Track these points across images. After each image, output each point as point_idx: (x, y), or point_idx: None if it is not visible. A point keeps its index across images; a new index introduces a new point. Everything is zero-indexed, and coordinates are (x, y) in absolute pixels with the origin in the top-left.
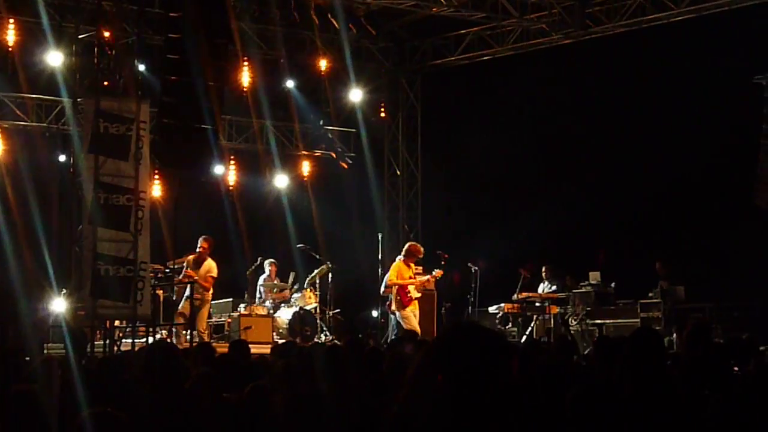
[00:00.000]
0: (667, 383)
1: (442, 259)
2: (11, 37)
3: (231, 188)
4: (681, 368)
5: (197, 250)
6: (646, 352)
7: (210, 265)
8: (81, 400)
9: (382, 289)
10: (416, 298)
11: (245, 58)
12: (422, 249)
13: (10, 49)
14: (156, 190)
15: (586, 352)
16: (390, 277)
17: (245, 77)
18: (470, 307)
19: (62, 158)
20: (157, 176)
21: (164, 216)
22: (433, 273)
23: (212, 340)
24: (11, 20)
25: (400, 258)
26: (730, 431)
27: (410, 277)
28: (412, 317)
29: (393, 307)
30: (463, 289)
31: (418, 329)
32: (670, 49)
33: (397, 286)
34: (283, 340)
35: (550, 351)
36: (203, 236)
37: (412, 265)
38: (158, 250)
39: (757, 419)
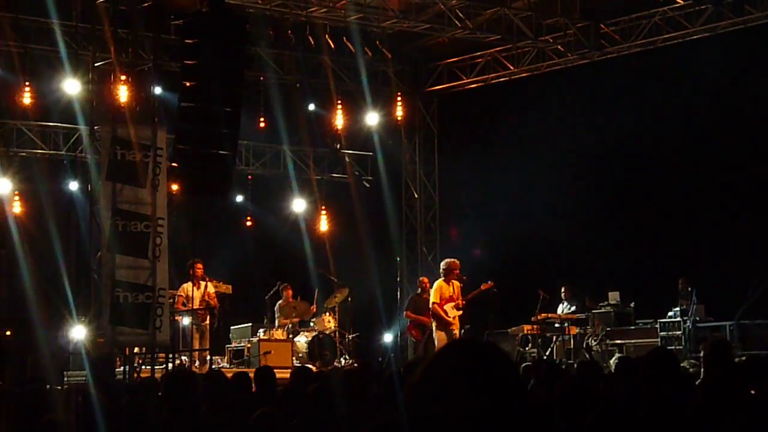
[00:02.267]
0: (684, 403)
1: (461, 281)
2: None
3: (248, 213)
4: (699, 387)
5: (198, 273)
6: (662, 373)
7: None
8: (101, 428)
9: (404, 313)
10: (455, 317)
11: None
12: (458, 262)
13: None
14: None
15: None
16: (432, 299)
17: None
18: (489, 329)
19: (74, 186)
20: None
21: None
22: (482, 286)
23: (233, 365)
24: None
25: (440, 278)
26: None
27: (450, 295)
28: (444, 339)
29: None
30: (483, 311)
31: None
32: (685, 68)
33: (433, 306)
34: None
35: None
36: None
37: (455, 282)
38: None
39: None
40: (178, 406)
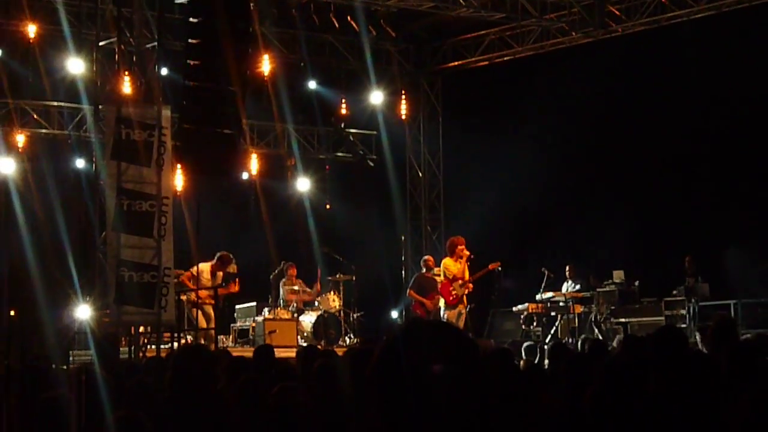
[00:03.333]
0: (690, 381)
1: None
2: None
3: (253, 192)
4: (705, 365)
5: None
6: (670, 351)
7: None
8: (107, 407)
9: (408, 291)
10: (464, 295)
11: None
12: (463, 239)
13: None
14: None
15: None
16: (443, 277)
17: (266, 79)
18: (494, 307)
19: (81, 165)
20: (181, 180)
21: (190, 219)
22: (489, 266)
23: (237, 345)
24: (32, 24)
25: (447, 256)
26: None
27: (458, 272)
28: (457, 317)
29: (440, 305)
30: (487, 290)
31: (463, 328)
32: (691, 45)
33: (441, 285)
34: (307, 344)
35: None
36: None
37: (462, 259)
38: (183, 256)
39: None
40: (190, 381)
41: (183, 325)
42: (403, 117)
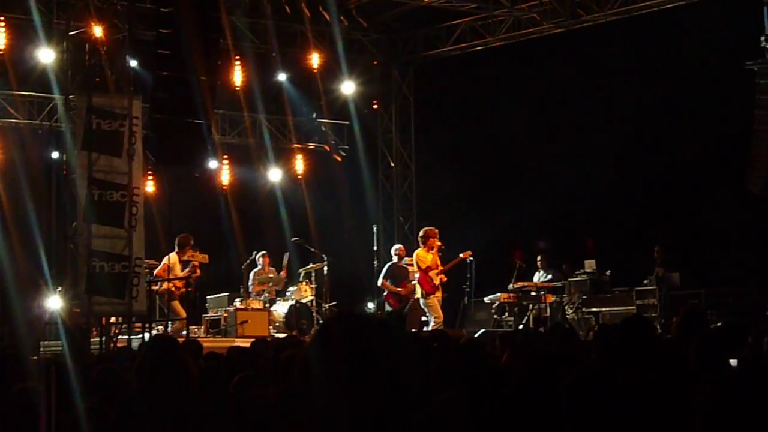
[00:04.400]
0: (659, 369)
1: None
2: (1, 38)
3: (224, 183)
4: (674, 354)
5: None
6: (637, 339)
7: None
8: (77, 397)
9: (380, 281)
10: (440, 284)
11: (237, 53)
12: (436, 230)
13: (1, 51)
14: (149, 186)
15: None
16: (415, 265)
17: (237, 71)
18: (466, 297)
19: (55, 155)
20: (150, 173)
21: (158, 212)
22: (460, 255)
23: (209, 335)
24: (1, 19)
25: (420, 247)
26: (722, 416)
27: (432, 263)
28: (437, 304)
29: (418, 295)
30: (459, 279)
31: (441, 317)
32: (661, 36)
33: (419, 275)
34: (281, 334)
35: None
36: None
37: (434, 250)
38: (153, 246)
39: (749, 405)
40: (159, 372)
41: (154, 316)
42: (375, 107)
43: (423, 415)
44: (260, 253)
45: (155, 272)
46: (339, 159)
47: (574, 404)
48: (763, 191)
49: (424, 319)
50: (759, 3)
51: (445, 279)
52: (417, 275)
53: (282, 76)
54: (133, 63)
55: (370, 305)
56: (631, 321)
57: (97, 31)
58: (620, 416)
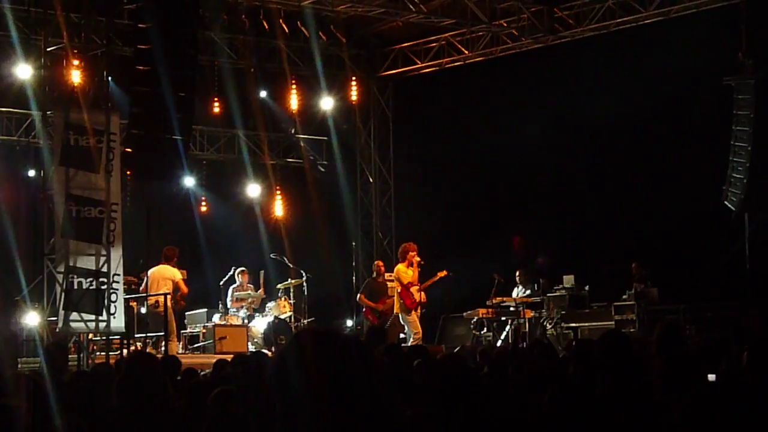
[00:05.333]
0: (637, 384)
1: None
2: None
3: (203, 198)
4: (653, 369)
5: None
6: (615, 355)
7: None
8: (55, 414)
9: (358, 296)
10: (421, 302)
11: (215, 69)
12: (414, 245)
13: None
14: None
15: (561, 356)
16: (397, 282)
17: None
18: (445, 313)
19: (32, 173)
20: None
21: (137, 228)
22: (437, 274)
23: (188, 351)
24: None
25: (400, 263)
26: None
27: (411, 279)
28: (416, 320)
29: (397, 311)
30: (438, 295)
31: (420, 333)
32: (639, 51)
33: (400, 290)
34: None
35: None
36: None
37: (414, 266)
38: (131, 263)
39: (726, 419)
40: (139, 389)
41: (133, 332)
42: (354, 123)
43: (401, 429)
44: (239, 270)
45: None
46: (317, 175)
47: (555, 419)
48: (741, 207)
49: (402, 335)
50: (736, 19)
51: (425, 297)
52: (398, 290)
53: (263, 93)
54: (111, 78)
55: (349, 322)
56: (610, 337)
57: (75, 46)
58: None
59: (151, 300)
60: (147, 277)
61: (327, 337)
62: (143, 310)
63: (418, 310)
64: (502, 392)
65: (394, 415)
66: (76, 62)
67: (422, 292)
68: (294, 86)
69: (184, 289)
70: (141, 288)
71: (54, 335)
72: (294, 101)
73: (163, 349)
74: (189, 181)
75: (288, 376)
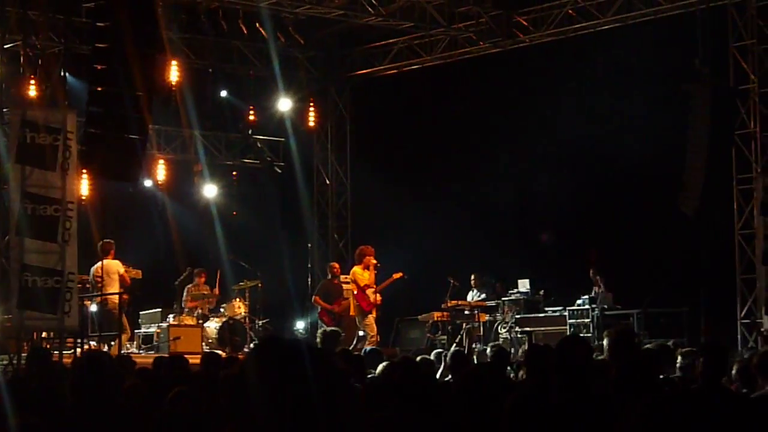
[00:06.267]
0: (593, 390)
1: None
2: None
3: (158, 198)
4: (606, 375)
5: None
6: (573, 360)
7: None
8: (9, 412)
9: (313, 298)
10: (377, 304)
11: (173, 68)
12: (372, 248)
13: None
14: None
15: (514, 361)
16: (353, 284)
17: (173, 85)
18: (400, 315)
19: None
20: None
21: (94, 226)
22: (393, 275)
23: (141, 351)
24: None
25: (356, 265)
26: None
27: (368, 281)
28: (372, 322)
29: (353, 313)
30: (392, 298)
31: (376, 335)
32: (597, 57)
33: (356, 293)
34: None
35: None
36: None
37: (370, 268)
38: (86, 262)
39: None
40: (90, 390)
41: (87, 331)
42: (311, 124)
43: None
44: (196, 270)
45: (101, 282)
46: (274, 176)
47: (510, 424)
48: (695, 213)
49: (361, 334)
50: (693, 26)
51: (380, 299)
52: (354, 293)
53: (223, 92)
54: (69, 76)
55: (301, 323)
56: (568, 341)
57: (32, 44)
58: None
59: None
60: (91, 274)
61: (290, 347)
62: (93, 308)
63: (374, 313)
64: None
65: (353, 422)
66: (33, 60)
67: (378, 295)
68: (251, 87)
69: (128, 281)
70: (88, 285)
71: (7, 333)
72: (251, 102)
73: (114, 345)
74: (146, 181)
75: (250, 384)
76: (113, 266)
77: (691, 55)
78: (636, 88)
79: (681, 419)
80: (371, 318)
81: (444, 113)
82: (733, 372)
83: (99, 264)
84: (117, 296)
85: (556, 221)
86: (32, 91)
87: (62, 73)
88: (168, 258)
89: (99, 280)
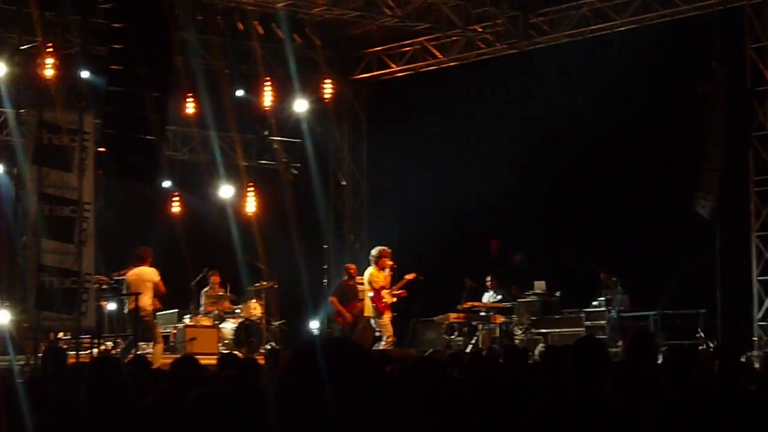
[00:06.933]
0: (610, 392)
1: (391, 269)
2: None
3: (175, 199)
4: (624, 376)
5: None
6: (590, 361)
7: None
8: (24, 411)
9: (330, 299)
10: (391, 303)
11: (189, 69)
12: (389, 250)
13: None
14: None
15: (531, 362)
16: (368, 286)
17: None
18: (415, 317)
19: (0, 169)
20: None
21: (109, 227)
22: (405, 277)
23: None
24: None
25: (372, 266)
26: None
27: (383, 283)
28: (388, 323)
29: (368, 314)
30: (408, 298)
31: (393, 336)
32: (614, 59)
33: (372, 294)
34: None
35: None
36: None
37: (387, 269)
38: (104, 262)
39: (694, 425)
40: (103, 393)
41: (103, 332)
42: (328, 126)
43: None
44: (210, 271)
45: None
46: (290, 177)
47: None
48: (711, 214)
49: (377, 334)
50: (710, 28)
51: (396, 299)
52: (370, 294)
53: (240, 92)
54: (86, 77)
55: (315, 323)
56: (585, 342)
57: (49, 45)
58: None
59: (132, 304)
60: (124, 280)
61: (336, 346)
62: (110, 307)
63: (389, 314)
64: (474, 397)
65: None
66: (50, 61)
67: (394, 295)
68: (268, 88)
69: (163, 289)
70: (105, 286)
71: (23, 333)
72: (268, 103)
73: (138, 352)
74: (165, 184)
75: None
76: (148, 273)
77: (708, 57)
78: (652, 90)
79: (697, 420)
80: (386, 318)
81: (460, 114)
82: None
83: (134, 270)
84: (150, 302)
85: (572, 221)
86: (49, 92)
87: (79, 74)
88: (185, 259)
89: (105, 281)
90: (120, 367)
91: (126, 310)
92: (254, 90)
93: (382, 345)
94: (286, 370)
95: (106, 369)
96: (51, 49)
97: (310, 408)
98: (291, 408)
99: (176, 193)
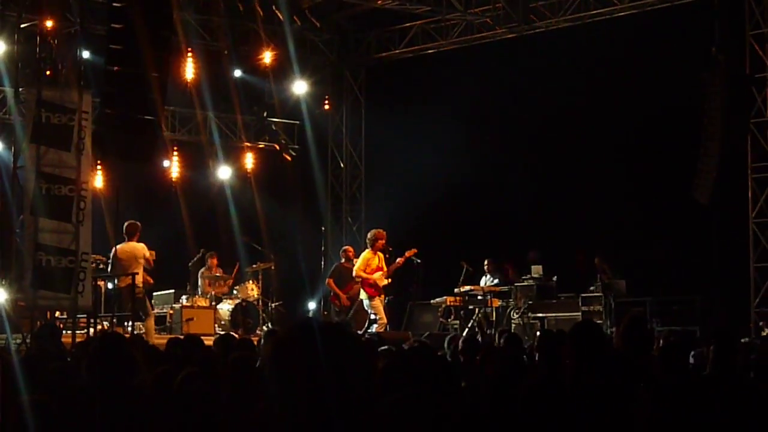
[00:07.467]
0: (606, 376)
1: (387, 252)
2: None
3: (174, 179)
4: (618, 361)
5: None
6: (587, 345)
7: None
8: (21, 389)
9: (327, 280)
10: (384, 286)
11: (189, 49)
12: (384, 233)
13: None
14: (98, 180)
15: (527, 346)
16: (357, 267)
17: (189, 68)
18: (412, 300)
19: (0, 147)
20: (99, 167)
21: (106, 207)
22: (398, 259)
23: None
24: None
25: (368, 249)
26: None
27: (377, 266)
28: (380, 306)
29: (362, 297)
30: (406, 281)
31: (385, 318)
32: (613, 44)
33: (360, 279)
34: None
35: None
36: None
37: (381, 252)
38: (100, 241)
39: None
40: (108, 370)
41: (99, 311)
42: (326, 107)
43: (373, 415)
44: (209, 253)
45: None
46: (288, 158)
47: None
48: (709, 200)
49: (372, 317)
50: (710, 14)
51: (389, 280)
52: (358, 279)
53: (237, 73)
54: (85, 57)
55: (313, 305)
56: (582, 326)
57: (48, 24)
58: (569, 422)
59: (127, 280)
60: (115, 255)
61: (331, 329)
62: (109, 285)
63: (382, 297)
64: (471, 380)
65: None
66: (49, 39)
67: (388, 278)
68: (267, 70)
69: (152, 263)
70: (102, 266)
71: (19, 311)
72: (267, 85)
73: (129, 328)
74: (161, 161)
75: (287, 365)
76: (138, 249)
77: (707, 43)
78: (651, 75)
79: (692, 406)
80: (378, 301)
81: (459, 98)
82: None
83: (122, 244)
84: (141, 278)
85: (571, 207)
86: (48, 71)
87: (78, 53)
88: (181, 239)
89: (103, 260)
90: (125, 344)
91: (112, 286)
92: (253, 71)
93: (374, 328)
94: (276, 350)
95: (112, 345)
96: (51, 28)
97: (301, 388)
98: (282, 386)
99: (175, 173)
